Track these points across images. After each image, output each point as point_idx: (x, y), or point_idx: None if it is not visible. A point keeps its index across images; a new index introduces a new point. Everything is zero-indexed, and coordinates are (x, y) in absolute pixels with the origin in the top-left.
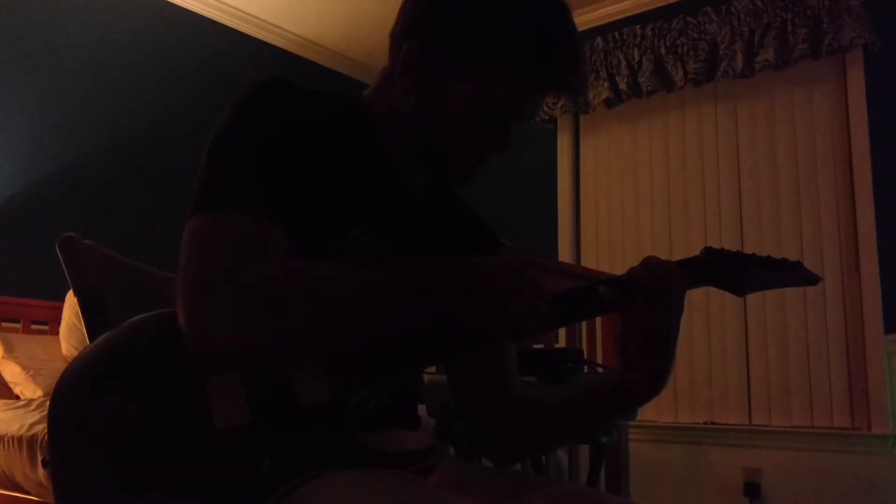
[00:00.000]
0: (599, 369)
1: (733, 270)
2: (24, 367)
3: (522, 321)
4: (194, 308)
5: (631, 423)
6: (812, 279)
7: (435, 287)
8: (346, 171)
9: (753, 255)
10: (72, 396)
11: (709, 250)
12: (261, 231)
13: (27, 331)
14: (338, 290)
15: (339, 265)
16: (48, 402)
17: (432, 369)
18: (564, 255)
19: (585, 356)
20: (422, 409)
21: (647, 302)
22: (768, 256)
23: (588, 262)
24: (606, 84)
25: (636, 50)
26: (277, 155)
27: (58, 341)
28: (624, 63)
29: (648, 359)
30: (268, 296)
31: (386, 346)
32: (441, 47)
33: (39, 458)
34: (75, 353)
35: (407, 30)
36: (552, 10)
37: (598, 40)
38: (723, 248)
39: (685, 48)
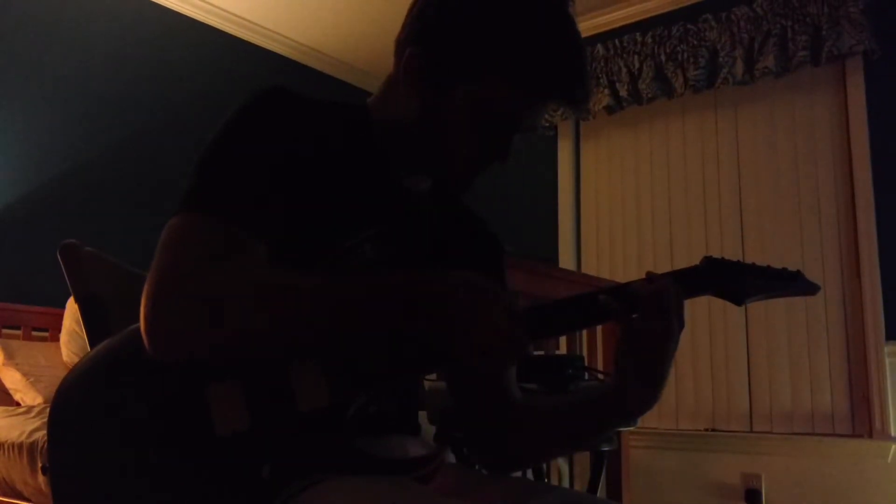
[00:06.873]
0: (600, 377)
1: (732, 279)
2: (25, 374)
3: (489, 345)
4: (148, 306)
5: (631, 429)
6: (811, 289)
7: (396, 304)
8: (347, 178)
9: (753, 264)
10: (72, 404)
11: (708, 259)
12: (231, 237)
13: (28, 337)
14: (292, 299)
15: (302, 274)
16: (48, 409)
17: (433, 376)
18: (565, 261)
19: (586, 363)
20: (422, 416)
21: (647, 314)
22: (767, 266)
23: (589, 268)
24: (607, 91)
25: (636, 57)
26: (269, 165)
27: (58, 348)
28: (624, 70)
29: (644, 371)
30: (219, 300)
31: (373, 353)
32: (445, 53)
33: (39, 464)
34: (76, 360)
35: (412, 36)
36: (558, 20)
37: (599, 47)
38: (722, 258)
39: (685, 55)
